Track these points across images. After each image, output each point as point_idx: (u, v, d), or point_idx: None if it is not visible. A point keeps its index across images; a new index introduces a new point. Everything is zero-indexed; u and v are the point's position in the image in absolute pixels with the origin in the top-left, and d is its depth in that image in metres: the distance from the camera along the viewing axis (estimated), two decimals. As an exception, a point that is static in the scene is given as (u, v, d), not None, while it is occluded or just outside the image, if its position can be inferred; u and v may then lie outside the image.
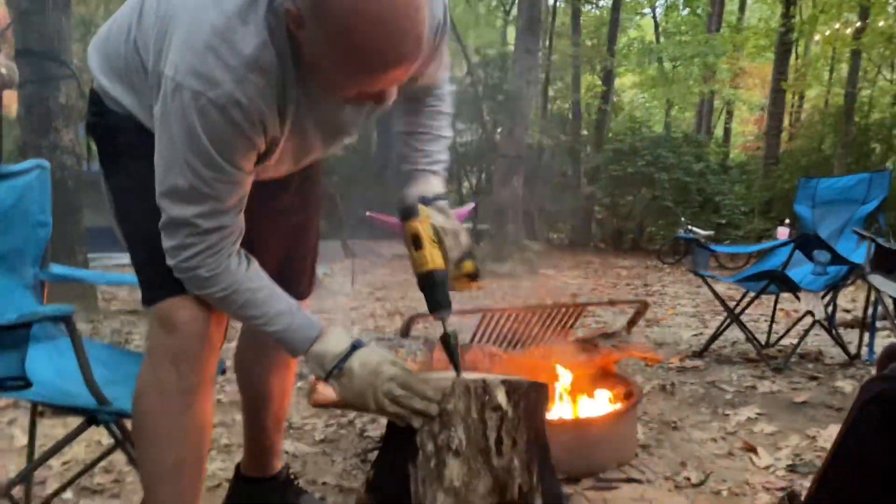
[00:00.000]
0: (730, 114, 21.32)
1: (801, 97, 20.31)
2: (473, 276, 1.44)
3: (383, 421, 2.65)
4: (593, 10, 18.43)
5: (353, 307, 6.07)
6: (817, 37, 15.26)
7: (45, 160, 2.05)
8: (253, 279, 1.31)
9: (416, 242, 1.36)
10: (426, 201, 1.42)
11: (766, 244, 4.69)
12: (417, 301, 6.32)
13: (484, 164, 14.14)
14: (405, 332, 3.06)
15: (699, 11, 18.73)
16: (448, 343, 1.36)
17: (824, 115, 16.51)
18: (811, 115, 18.52)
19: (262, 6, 1.13)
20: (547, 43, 14.32)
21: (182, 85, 1.13)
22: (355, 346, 1.30)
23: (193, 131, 1.14)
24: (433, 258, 1.36)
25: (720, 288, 4.12)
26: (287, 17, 1.10)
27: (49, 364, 1.92)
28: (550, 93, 15.68)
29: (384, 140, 13.62)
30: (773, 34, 16.15)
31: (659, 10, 20.17)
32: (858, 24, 13.66)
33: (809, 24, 15.76)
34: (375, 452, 2.48)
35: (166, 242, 1.27)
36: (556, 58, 15.54)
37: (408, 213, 1.39)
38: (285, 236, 1.65)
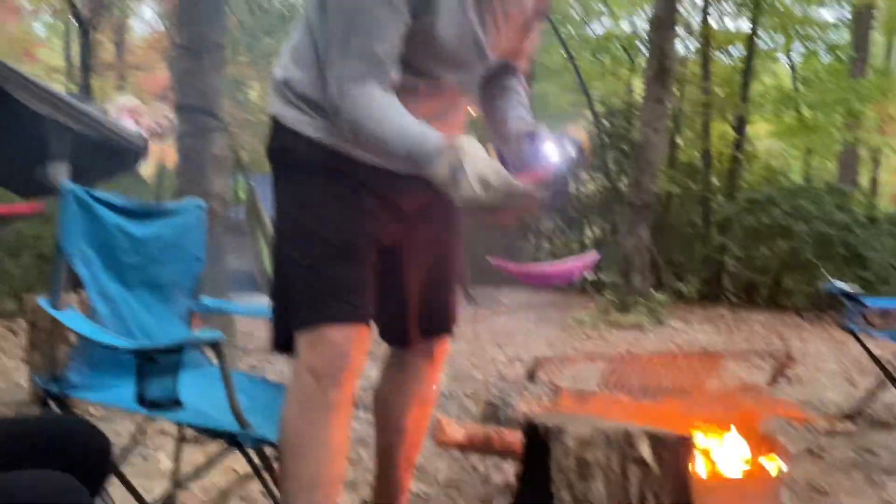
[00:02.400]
0: (877, 163, 19.97)
1: (959, 145, 18.75)
2: None
3: (507, 467, 2.61)
4: (725, 59, 17.94)
5: (474, 353, 6.06)
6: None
7: (201, 199, 2.22)
8: (392, 98, 1.40)
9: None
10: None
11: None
12: (540, 349, 6.24)
13: (609, 213, 13.93)
14: (530, 376, 3.02)
15: (842, 57, 17.83)
16: None
17: None
18: (971, 165, 17.00)
19: None
20: (676, 91, 14.05)
21: None
22: None
23: None
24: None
25: (871, 345, 3.80)
26: None
27: (195, 390, 2.04)
28: (679, 141, 15.31)
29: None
30: (925, 78, 15.10)
31: (796, 57, 19.36)
32: None
33: (967, 67, 14.63)
34: (500, 498, 2.44)
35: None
36: (686, 106, 15.20)
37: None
38: (427, 269, 1.70)
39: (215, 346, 1.57)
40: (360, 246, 1.51)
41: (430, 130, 1.36)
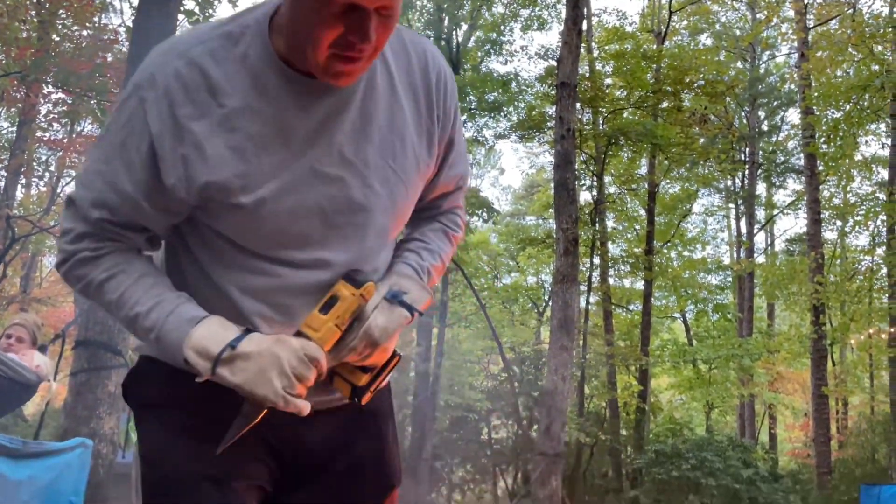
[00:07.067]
0: (773, 418, 20.80)
1: (845, 403, 19.91)
2: (354, 393, 1.16)
3: None
4: (624, 314, 19.12)
5: None
6: (853, 341, 15.39)
7: (88, 439, 2.06)
8: (143, 264, 1.14)
9: (326, 305, 1.09)
10: (387, 294, 1.15)
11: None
12: None
13: (521, 462, 13.68)
14: None
15: (729, 317, 19.30)
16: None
17: (872, 424, 16.00)
18: (858, 423, 17.95)
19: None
20: (581, 342, 14.68)
21: None
22: (248, 331, 1.08)
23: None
24: (322, 332, 1.07)
25: None
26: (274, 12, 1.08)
27: None
28: (587, 391, 15.67)
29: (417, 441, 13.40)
30: (805, 340, 16.39)
31: (689, 315, 20.84)
32: (891, 330, 13.85)
33: (841, 332, 16.02)
34: None
35: (64, 223, 1.15)
36: (591, 356, 15.81)
37: (352, 277, 1.12)
38: None
39: None
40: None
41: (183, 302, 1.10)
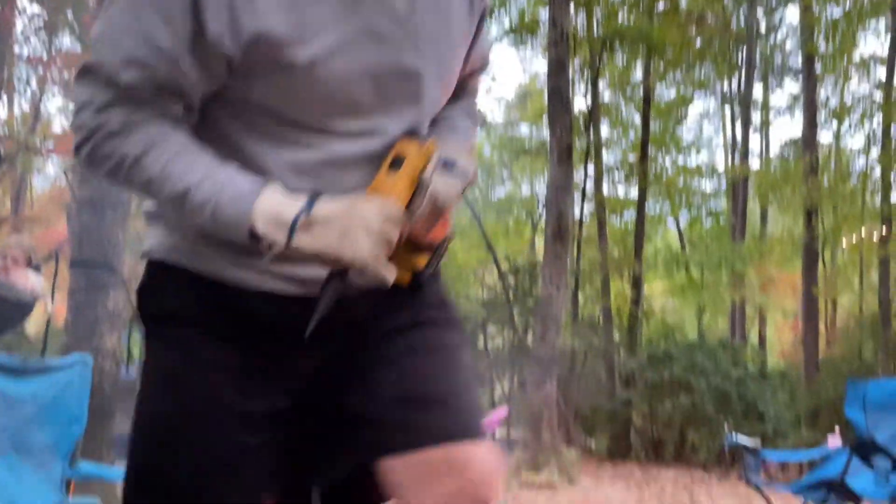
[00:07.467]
0: (763, 320, 21.24)
1: (835, 303, 20.28)
2: (413, 276, 1.04)
3: None
4: (618, 223, 19.19)
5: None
6: (844, 243, 15.56)
7: (88, 355, 2.09)
8: (183, 133, 0.99)
9: (394, 163, 1.00)
10: (441, 160, 1.02)
11: (820, 449, 4.44)
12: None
13: (516, 368, 14.05)
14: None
15: (722, 222, 19.39)
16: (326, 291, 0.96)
17: (860, 322, 16.36)
18: (847, 322, 18.34)
19: None
20: (575, 252, 14.79)
21: None
22: (315, 195, 0.95)
23: None
24: (397, 190, 0.97)
25: (775, 499, 3.84)
26: None
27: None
28: (581, 298, 15.90)
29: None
30: (797, 243, 16.53)
31: (682, 222, 20.94)
32: (883, 232, 13.96)
33: (833, 234, 16.17)
34: None
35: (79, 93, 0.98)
36: (585, 264, 15.96)
37: (412, 133, 1.05)
38: (405, 370, 1.08)
39: (89, 517, 1.41)
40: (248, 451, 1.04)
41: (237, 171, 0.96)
